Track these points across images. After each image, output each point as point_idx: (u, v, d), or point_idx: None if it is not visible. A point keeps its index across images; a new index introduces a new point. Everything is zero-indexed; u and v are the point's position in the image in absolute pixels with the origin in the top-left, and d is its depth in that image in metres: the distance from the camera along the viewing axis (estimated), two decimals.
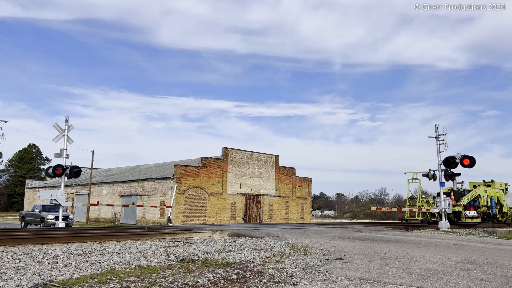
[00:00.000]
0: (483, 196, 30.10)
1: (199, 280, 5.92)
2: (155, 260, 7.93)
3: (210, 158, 40.58)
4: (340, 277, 6.50)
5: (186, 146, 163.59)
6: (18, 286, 5.34)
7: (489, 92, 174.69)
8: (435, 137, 24.41)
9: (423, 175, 24.38)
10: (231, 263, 7.77)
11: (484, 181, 33.87)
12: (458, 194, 28.16)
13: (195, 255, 8.73)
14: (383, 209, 35.98)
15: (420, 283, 6.16)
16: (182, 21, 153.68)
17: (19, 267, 6.65)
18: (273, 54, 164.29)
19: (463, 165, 22.95)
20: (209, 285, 5.74)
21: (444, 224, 23.35)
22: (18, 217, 39.26)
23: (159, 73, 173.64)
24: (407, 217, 29.94)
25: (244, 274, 6.63)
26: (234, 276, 6.38)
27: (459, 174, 23.51)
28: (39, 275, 6.03)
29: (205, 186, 38.99)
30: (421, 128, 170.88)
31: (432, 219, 27.79)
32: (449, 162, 23.17)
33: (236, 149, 42.68)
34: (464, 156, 22.92)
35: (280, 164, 47.12)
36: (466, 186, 33.42)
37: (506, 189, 34.03)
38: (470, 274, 7.03)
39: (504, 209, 32.97)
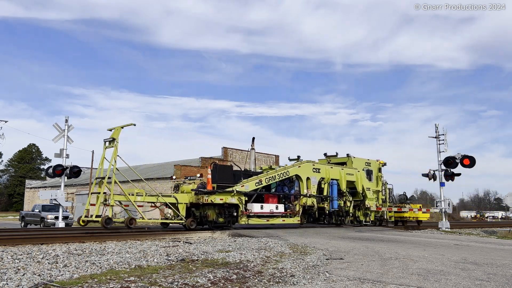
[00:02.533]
0: (311, 179, 19.09)
1: (199, 280, 5.91)
2: (155, 260, 7.93)
3: (210, 158, 40.59)
4: (340, 277, 6.50)
5: (187, 146, 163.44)
6: (18, 286, 5.34)
7: (490, 92, 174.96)
8: (435, 137, 24.41)
9: (423, 175, 24.37)
10: (231, 263, 7.77)
11: (326, 155, 22.76)
12: (247, 176, 17.46)
13: (195, 255, 8.72)
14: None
15: (420, 283, 6.16)
16: (183, 21, 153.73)
17: (19, 267, 6.65)
18: (274, 54, 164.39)
19: (463, 165, 22.96)
20: (209, 285, 5.73)
21: (444, 224, 23.34)
22: (18, 217, 39.25)
23: (160, 73, 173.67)
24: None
25: (244, 274, 6.63)
26: (234, 276, 6.37)
27: (459, 174, 23.50)
28: (39, 275, 6.03)
29: None
30: (422, 128, 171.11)
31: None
32: (449, 162, 23.17)
33: (236, 149, 42.67)
34: (464, 156, 22.92)
35: (281, 164, 47.07)
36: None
37: (380, 170, 23.37)
38: (470, 274, 7.03)
39: (369, 202, 22.00)
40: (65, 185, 23.15)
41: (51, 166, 22.25)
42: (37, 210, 30.72)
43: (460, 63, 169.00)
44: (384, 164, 23.72)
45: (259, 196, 17.61)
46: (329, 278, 6.42)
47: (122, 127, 15.19)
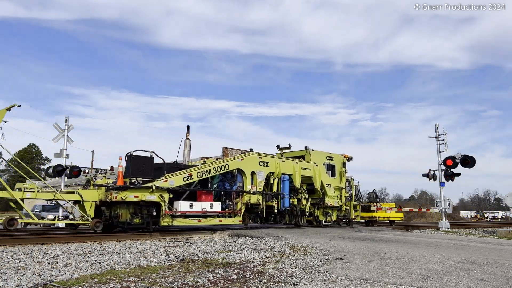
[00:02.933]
0: (256, 173, 16.87)
1: (199, 280, 5.91)
2: (155, 260, 7.93)
3: (210, 158, 40.56)
4: (340, 277, 6.50)
5: None
6: (18, 286, 5.34)
7: (490, 92, 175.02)
8: (435, 137, 24.42)
9: (423, 175, 24.38)
10: (231, 263, 7.77)
11: (279, 147, 20.83)
12: (176, 169, 15.19)
13: (195, 255, 8.72)
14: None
15: (420, 283, 6.15)
16: (183, 21, 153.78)
17: (19, 267, 6.65)
18: (274, 54, 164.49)
19: (463, 165, 22.97)
20: (209, 285, 5.73)
21: (444, 224, 23.34)
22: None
23: (160, 73, 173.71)
24: None
25: (244, 274, 6.63)
26: (234, 276, 6.37)
27: (459, 174, 23.50)
28: (39, 275, 6.02)
29: None
30: (422, 128, 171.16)
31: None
32: (449, 162, 23.18)
33: (235, 149, 42.64)
34: (464, 156, 22.93)
35: None
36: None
37: (344, 165, 21.41)
38: (470, 274, 7.03)
39: (330, 200, 19.85)
40: (65, 185, 23.13)
41: (51, 166, 22.23)
42: (37, 210, 30.70)
43: (461, 63, 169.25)
44: (350, 159, 21.87)
45: (192, 193, 15.31)
46: (329, 278, 6.42)
47: (8, 109, 13.54)
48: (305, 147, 20.19)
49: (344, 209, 21.14)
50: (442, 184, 23.89)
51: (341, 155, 21.61)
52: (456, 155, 23.20)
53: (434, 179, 23.94)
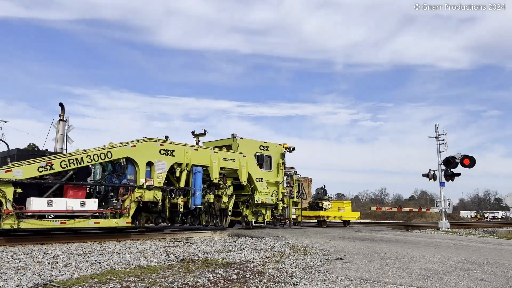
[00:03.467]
0: (155, 164, 13.84)
1: (199, 280, 5.91)
2: (155, 260, 7.93)
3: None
4: (340, 277, 6.50)
5: None
6: (18, 286, 5.34)
7: (491, 92, 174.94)
8: (435, 137, 24.44)
9: (423, 175, 24.39)
10: (231, 263, 7.77)
11: (194, 133, 18.68)
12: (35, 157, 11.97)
13: (195, 255, 8.72)
14: (383, 209, 36.06)
15: (420, 283, 6.16)
16: (184, 21, 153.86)
17: (19, 267, 6.65)
18: (275, 54, 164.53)
19: (463, 165, 23.00)
20: (209, 285, 5.73)
21: (444, 224, 23.35)
22: None
23: (161, 73, 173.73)
24: None
25: (244, 274, 6.63)
26: (234, 276, 6.38)
27: (459, 174, 23.52)
28: (39, 275, 6.03)
29: None
30: (423, 128, 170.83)
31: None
32: (449, 162, 23.21)
33: None
34: (464, 156, 22.96)
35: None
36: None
37: (283, 156, 18.54)
38: (470, 274, 7.03)
39: (262, 197, 17.02)
40: None
41: None
42: None
43: (461, 63, 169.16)
44: (291, 150, 19.03)
45: (60, 187, 12.26)
46: (329, 278, 6.42)
47: None
48: (232, 134, 17.27)
49: (281, 208, 18.03)
50: (442, 184, 23.90)
51: (280, 144, 18.71)
52: (456, 155, 23.23)
53: (434, 179, 23.95)
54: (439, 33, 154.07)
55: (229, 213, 15.87)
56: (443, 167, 23.70)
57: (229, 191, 15.94)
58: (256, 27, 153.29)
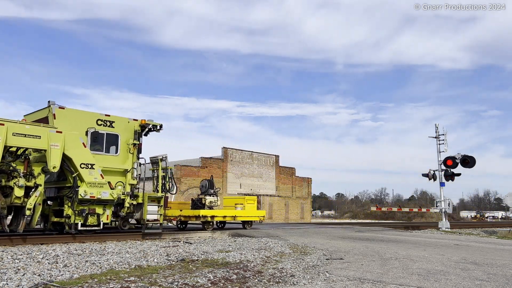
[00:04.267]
0: None
1: (199, 280, 5.91)
2: (155, 260, 7.93)
3: (210, 158, 40.59)
4: (340, 277, 6.50)
5: (188, 146, 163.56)
6: (18, 286, 5.34)
7: (491, 92, 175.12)
8: (435, 137, 24.43)
9: (423, 175, 24.38)
10: (231, 263, 7.77)
11: None
12: None
13: (195, 255, 8.72)
14: (383, 209, 36.12)
15: (420, 283, 6.16)
16: (185, 21, 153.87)
17: (19, 267, 6.65)
18: (275, 54, 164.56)
19: (463, 165, 22.97)
20: (209, 285, 5.73)
21: (444, 224, 23.35)
22: None
23: (161, 73, 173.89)
24: None
25: (244, 274, 6.63)
26: (234, 276, 6.38)
27: (459, 174, 23.51)
28: (39, 275, 6.03)
29: None
30: (423, 128, 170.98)
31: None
32: (449, 162, 23.19)
33: (236, 149, 42.68)
34: (464, 156, 22.94)
35: (281, 164, 47.13)
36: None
37: (137, 135, 14.14)
38: (470, 274, 7.03)
39: (93, 190, 12.52)
40: None
41: None
42: None
43: (461, 63, 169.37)
44: (157, 128, 14.69)
45: None
46: (329, 278, 6.42)
47: None
48: (49, 101, 12.83)
49: (129, 205, 13.58)
50: (442, 184, 23.89)
51: (135, 120, 14.26)
52: (456, 155, 23.21)
53: (434, 179, 23.93)
54: (439, 33, 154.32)
55: (28, 212, 11.26)
56: (443, 167, 23.69)
57: (23, 180, 11.09)
58: (256, 27, 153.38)
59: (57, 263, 7.24)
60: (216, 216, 17.26)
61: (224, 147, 41.66)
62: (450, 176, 23.50)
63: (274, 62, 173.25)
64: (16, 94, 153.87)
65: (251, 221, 18.54)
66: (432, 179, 23.96)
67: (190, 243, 11.32)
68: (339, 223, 35.88)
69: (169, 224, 18.67)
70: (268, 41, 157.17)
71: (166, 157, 14.88)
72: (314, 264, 7.86)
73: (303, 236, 14.26)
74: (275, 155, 46.93)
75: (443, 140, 24.16)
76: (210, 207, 17.46)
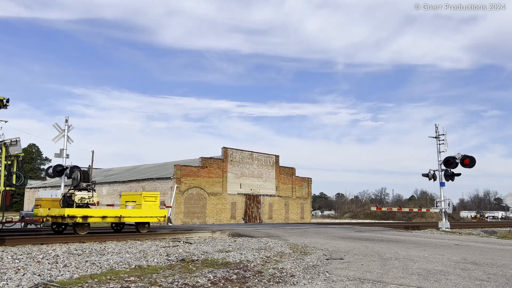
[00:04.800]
0: None
1: (199, 280, 5.91)
2: (155, 260, 7.92)
3: (210, 158, 40.58)
4: (340, 277, 6.50)
5: (188, 146, 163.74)
6: (18, 286, 5.34)
7: (491, 92, 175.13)
8: (435, 137, 24.43)
9: (423, 175, 24.38)
10: (231, 263, 7.77)
11: None
12: None
13: (195, 255, 8.72)
14: (383, 209, 36.10)
15: (420, 283, 6.15)
16: (185, 21, 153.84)
17: (19, 267, 6.65)
18: (276, 54, 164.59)
19: (463, 165, 22.97)
20: (209, 285, 5.73)
21: (444, 224, 23.34)
22: (18, 217, 39.22)
23: (162, 73, 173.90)
24: None
25: (244, 274, 6.63)
26: (234, 276, 6.37)
27: (459, 174, 23.50)
28: (39, 275, 6.02)
29: (205, 186, 38.99)
30: (423, 128, 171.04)
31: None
32: (449, 162, 23.18)
33: (236, 149, 42.66)
34: (464, 156, 22.93)
35: (281, 164, 47.10)
36: None
37: None
38: (470, 274, 7.02)
39: None
40: (65, 185, 23.13)
41: (51, 166, 22.27)
42: None
43: (462, 63, 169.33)
44: (3, 103, 12.06)
45: None
46: (329, 278, 6.41)
47: None
48: None
49: None
50: (442, 184, 23.89)
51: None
52: (456, 155, 23.21)
53: (434, 179, 23.93)
54: (440, 33, 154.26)
55: None
56: (443, 167, 23.69)
57: None
58: (256, 27, 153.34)
59: (57, 263, 7.24)
60: (91, 217, 14.00)
61: (224, 147, 41.64)
62: (450, 176, 23.50)
63: (274, 62, 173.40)
64: (16, 94, 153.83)
65: (147, 223, 15.62)
66: (432, 179, 23.95)
67: (190, 243, 11.32)
68: (339, 223, 35.90)
69: (32, 226, 16.04)
70: (269, 41, 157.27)
71: (17, 141, 12.22)
72: (314, 264, 7.86)
73: (303, 236, 14.26)
74: (275, 155, 46.92)
75: (443, 140, 24.16)
76: (82, 206, 14.26)
